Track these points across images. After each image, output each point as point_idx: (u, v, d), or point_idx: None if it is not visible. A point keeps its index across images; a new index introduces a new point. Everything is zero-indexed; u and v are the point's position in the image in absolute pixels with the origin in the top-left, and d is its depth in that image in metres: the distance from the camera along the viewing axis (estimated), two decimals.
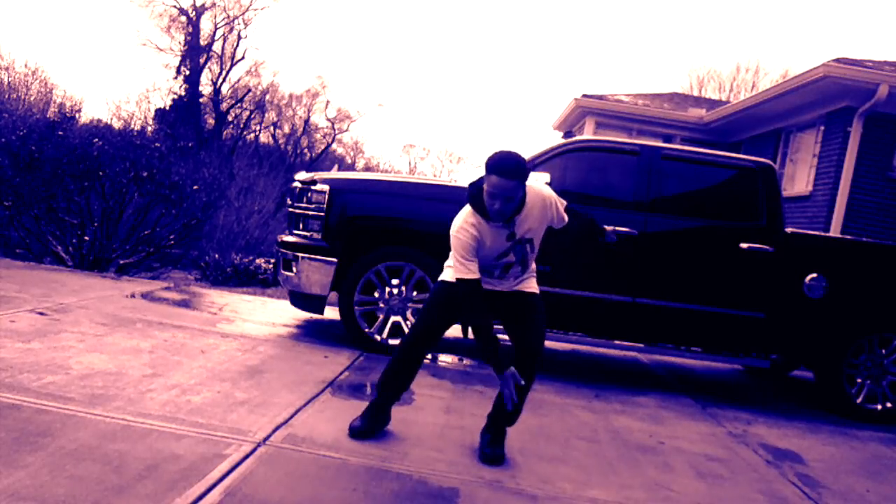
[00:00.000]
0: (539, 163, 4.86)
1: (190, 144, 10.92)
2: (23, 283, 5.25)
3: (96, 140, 7.79)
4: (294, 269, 4.86)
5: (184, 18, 27.61)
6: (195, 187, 8.39)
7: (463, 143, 69.13)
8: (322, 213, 4.80)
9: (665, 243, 4.88)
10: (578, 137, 5.23)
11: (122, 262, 7.91)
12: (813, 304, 4.84)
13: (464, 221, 2.86)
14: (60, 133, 7.90)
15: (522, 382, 2.84)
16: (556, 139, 5.19)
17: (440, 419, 3.50)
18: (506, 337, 3.09)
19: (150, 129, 19.03)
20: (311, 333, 5.26)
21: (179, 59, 27.35)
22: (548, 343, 4.15)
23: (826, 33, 51.85)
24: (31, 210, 7.42)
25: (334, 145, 35.30)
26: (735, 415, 4.57)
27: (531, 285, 3.09)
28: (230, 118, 29.24)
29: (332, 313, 5.54)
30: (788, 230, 4.94)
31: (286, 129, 33.15)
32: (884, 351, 4.89)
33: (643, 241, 4.81)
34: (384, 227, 4.86)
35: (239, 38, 28.75)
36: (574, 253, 4.71)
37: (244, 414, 3.10)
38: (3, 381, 2.99)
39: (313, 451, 2.80)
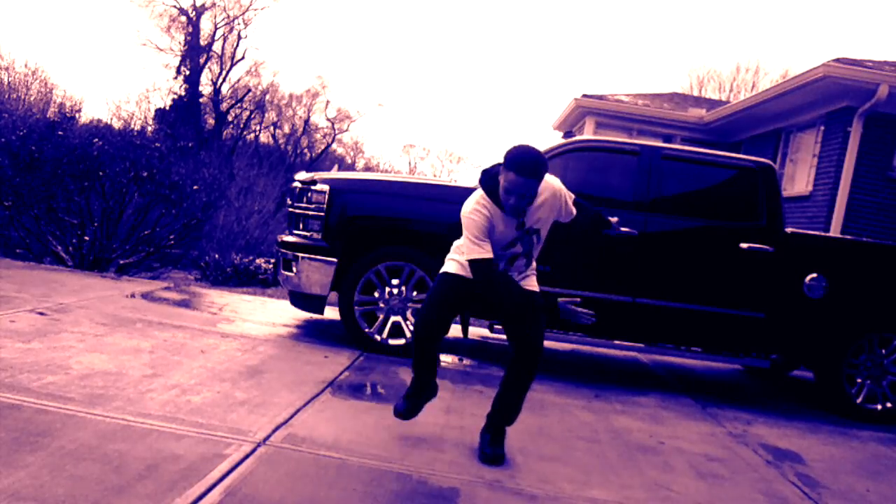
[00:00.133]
0: None
1: (190, 144, 10.92)
2: (23, 283, 5.25)
3: (96, 140, 7.79)
4: (294, 269, 4.86)
5: (184, 18, 27.62)
6: (195, 187, 8.40)
7: (463, 143, 69.25)
8: (322, 213, 4.80)
9: (665, 243, 4.88)
10: (579, 137, 5.22)
11: (122, 262, 7.91)
12: (813, 304, 4.84)
13: (476, 203, 2.84)
14: (60, 133, 7.90)
15: (579, 300, 2.84)
16: (556, 139, 5.19)
17: (440, 419, 3.50)
18: (503, 337, 3.09)
19: (150, 129, 19.03)
20: (311, 333, 5.25)
21: (179, 59, 27.36)
22: (548, 343, 4.15)
23: (826, 33, 51.87)
24: (31, 210, 7.42)
25: (334, 145, 35.33)
26: (735, 415, 4.57)
27: (532, 283, 3.08)
28: (230, 118, 29.25)
29: (332, 313, 5.54)
30: (788, 230, 4.94)
31: (286, 129, 33.17)
32: (884, 351, 4.89)
33: (643, 241, 4.81)
34: (384, 227, 4.86)
35: (239, 38, 28.77)
36: (574, 253, 4.71)
37: (244, 414, 3.10)
38: (3, 381, 2.99)
39: (313, 451, 2.80)
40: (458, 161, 45.51)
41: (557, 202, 2.98)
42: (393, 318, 4.84)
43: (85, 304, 4.88)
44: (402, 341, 4.81)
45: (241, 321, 5.33)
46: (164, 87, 30.94)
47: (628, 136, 12.46)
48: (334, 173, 5.22)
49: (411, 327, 4.57)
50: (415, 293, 4.83)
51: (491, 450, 3.01)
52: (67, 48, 43.27)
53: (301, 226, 4.93)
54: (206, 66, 28.07)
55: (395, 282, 4.82)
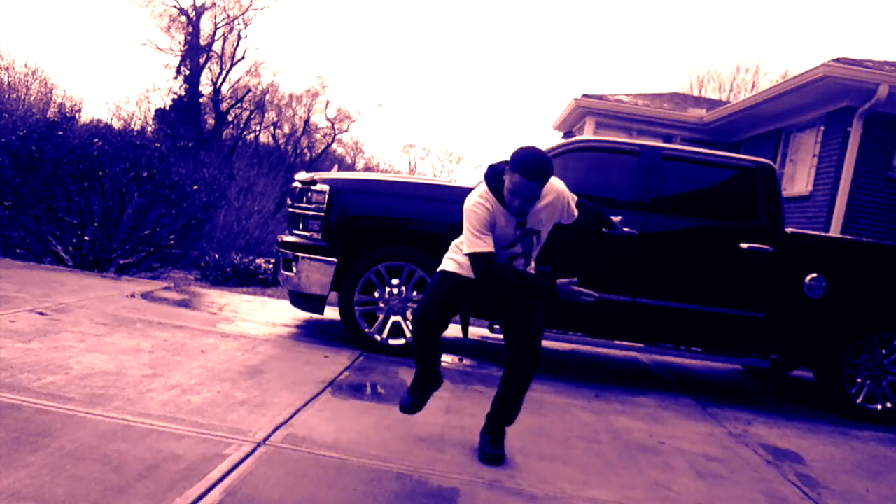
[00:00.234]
0: None
1: (190, 144, 10.92)
2: (23, 283, 5.25)
3: (96, 140, 7.79)
4: (294, 269, 4.86)
5: (184, 18, 27.62)
6: (195, 187, 8.40)
7: (463, 143, 69.20)
8: (322, 213, 4.80)
9: (665, 243, 4.88)
10: (579, 137, 5.23)
11: (122, 262, 7.91)
12: (813, 304, 4.84)
13: (479, 197, 2.82)
14: (60, 133, 7.90)
15: (577, 280, 2.78)
16: (556, 139, 5.19)
17: (440, 419, 3.50)
18: (501, 336, 3.08)
19: (150, 129, 19.04)
20: (311, 333, 5.26)
21: (179, 59, 27.36)
22: (548, 343, 4.15)
23: (826, 33, 51.87)
24: (31, 210, 7.42)
25: (334, 145, 35.33)
26: (735, 415, 4.57)
27: None
28: (230, 118, 29.25)
29: (332, 313, 5.54)
30: (788, 230, 4.94)
31: (286, 129, 33.17)
32: (884, 351, 4.89)
33: (643, 241, 4.81)
34: (384, 227, 4.86)
35: (239, 38, 28.77)
36: (574, 253, 4.70)
37: (244, 414, 3.10)
38: (3, 381, 2.99)
39: (313, 451, 2.80)
40: (458, 161, 45.50)
41: (560, 205, 2.98)
42: (393, 318, 4.84)
43: (85, 304, 4.88)
44: (402, 341, 4.81)
45: (241, 321, 5.33)
46: (164, 87, 30.97)
47: (628, 136, 12.46)
48: (334, 173, 5.22)
49: (411, 327, 4.58)
50: (415, 293, 4.83)
51: (491, 450, 3.01)
52: (67, 48, 43.29)
53: (301, 226, 4.93)
54: (206, 66, 28.09)
55: (395, 282, 4.82)
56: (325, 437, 2.98)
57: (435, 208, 4.77)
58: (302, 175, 5.14)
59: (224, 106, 28.97)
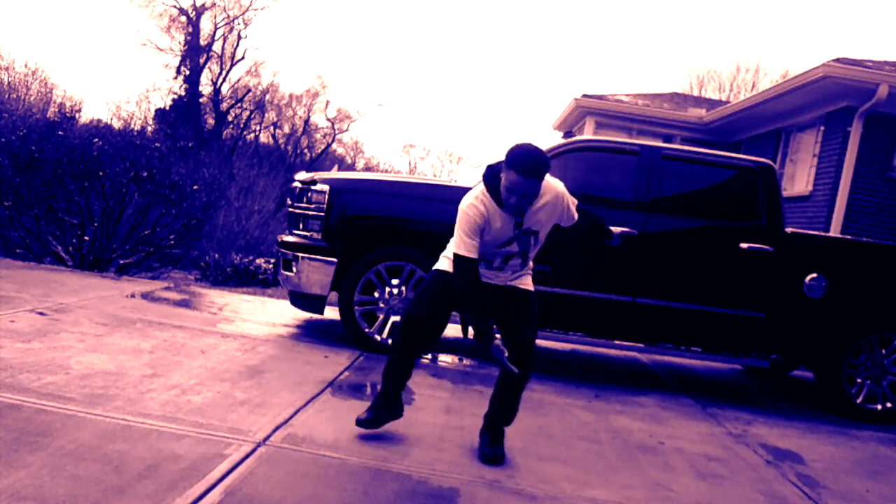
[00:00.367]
0: None
1: (190, 144, 10.93)
2: (23, 283, 5.25)
3: (96, 140, 7.80)
4: (294, 269, 4.86)
5: (184, 18, 27.64)
6: (195, 187, 8.40)
7: (463, 143, 69.23)
8: (322, 213, 4.80)
9: (665, 243, 4.88)
10: (579, 137, 5.22)
11: (122, 262, 7.91)
12: (813, 304, 4.84)
13: (475, 198, 2.82)
14: (60, 133, 7.91)
15: (507, 353, 2.82)
16: (556, 139, 5.19)
17: (440, 419, 3.50)
18: (499, 337, 3.07)
19: (150, 129, 19.04)
20: (311, 333, 5.26)
21: (179, 59, 27.38)
22: (548, 343, 4.14)
23: (826, 33, 51.87)
24: (31, 210, 7.42)
25: (334, 145, 35.35)
26: (735, 415, 4.57)
27: (527, 283, 3.07)
28: (230, 118, 29.26)
29: (332, 313, 5.54)
30: (788, 230, 4.94)
31: (286, 129, 33.18)
32: (884, 351, 4.89)
33: (643, 241, 4.81)
34: (384, 227, 4.86)
35: (239, 38, 28.79)
36: (574, 253, 4.70)
37: (244, 414, 3.10)
38: (3, 381, 2.99)
39: (313, 451, 2.80)
40: (458, 161, 45.52)
41: (559, 206, 2.97)
42: (393, 318, 4.85)
43: (85, 304, 4.88)
44: None
45: (241, 321, 5.33)
46: (164, 87, 30.98)
47: (628, 136, 12.46)
48: (334, 173, 5.21)
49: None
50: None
51: (490, 450, 3.00)
52: (67, 48, 43.32)
53: (301, 226, 4.93)
54: (206, 66, 28.10)
55: (395, 282, 4.82)
56: (325, 437, 2.98)
57: (435, 208, 4.76)
58: (302, 175, 5.14)
59: (224, 106, 28.99)
